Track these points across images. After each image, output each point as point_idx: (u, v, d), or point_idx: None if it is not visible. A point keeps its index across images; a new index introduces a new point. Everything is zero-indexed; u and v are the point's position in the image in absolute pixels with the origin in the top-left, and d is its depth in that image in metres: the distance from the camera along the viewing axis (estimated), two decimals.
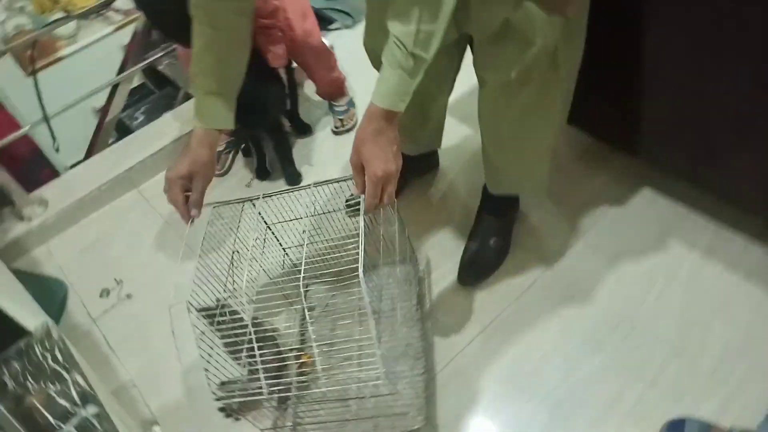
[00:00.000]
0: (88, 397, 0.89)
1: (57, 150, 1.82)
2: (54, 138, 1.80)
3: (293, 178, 1.85)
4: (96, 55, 3.09)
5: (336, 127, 1.98)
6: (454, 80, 1.41)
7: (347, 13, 2.53)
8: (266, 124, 1.77)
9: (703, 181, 1.43)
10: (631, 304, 1.39)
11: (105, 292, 1.68)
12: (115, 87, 2.13)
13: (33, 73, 1.76)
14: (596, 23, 1.20)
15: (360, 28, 2.37)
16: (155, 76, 3.27)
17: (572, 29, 1.13)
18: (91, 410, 0.87)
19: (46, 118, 1.78)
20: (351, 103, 2.01)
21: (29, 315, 1.01)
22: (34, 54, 1.88)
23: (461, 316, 1.43)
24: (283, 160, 1.85)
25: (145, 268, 1.70)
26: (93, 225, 1.88)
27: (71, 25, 3.09)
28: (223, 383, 1.11)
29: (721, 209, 1.49)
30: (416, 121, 1.49)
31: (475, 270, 1.50)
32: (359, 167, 1.02)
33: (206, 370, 1.03)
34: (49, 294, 1.66)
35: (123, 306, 1.63)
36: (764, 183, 1.29)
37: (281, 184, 1.86)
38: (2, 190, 1.80)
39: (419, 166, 1.73)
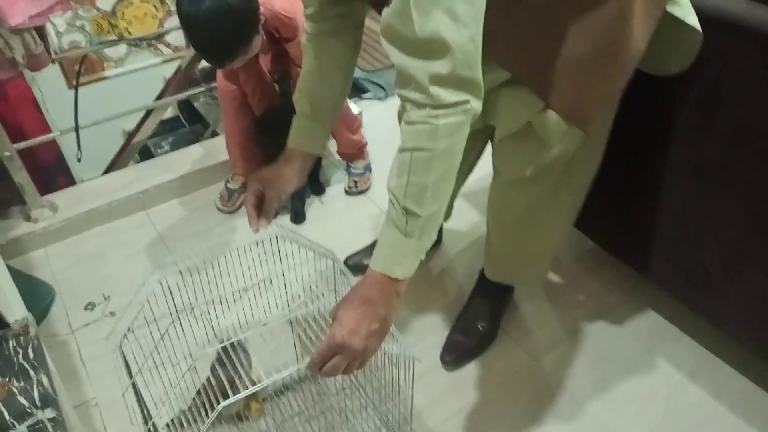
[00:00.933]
0: (49, 401, 0.88)
1: (79, 160, 1.87)
2: (79, 147, 1.86)
3: (299, 217, 1.90)
4: (138, 81, 3.25)
5: (349, 187, 2.04)
6: (473, 164, 1.45)
7: (381, 86, 2.65)
8: None
9: (696, 303, 1.44)
10: (609, 413, 1.36)
11: (90, 306, 1.67)
12: (148, 113, 2.21)
13: (76, 86, 1.83)
14: (613, 139, 1.26)
15: (391, 101, 2.52)
16: (189, 111, 3.41)
17: (591, 142, 1.16)
18: (48, 414, 0.86)
19: (76, 128, 1.85)
20: (368, 168, 2.07)
21: (12, 308, 1.01)
22: (81, 69, 1.96)
23: (436, 396, 1.41)
24: (295, 196, 1.89)
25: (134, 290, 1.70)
26: (95, 238, 1.91)
27: (122, 50, 3.28)
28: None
29: (711, 334, 1.48)
30: None
31: (458, 353, 1.48)
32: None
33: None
34: (35, 296, 1.66)
35: (104, 322, 1.63)
36: (752, 313, 1.30)
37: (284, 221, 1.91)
38: (17, 188, 1.85)
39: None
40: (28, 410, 0.87)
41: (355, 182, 2.03)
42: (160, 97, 2.39)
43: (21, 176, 1.81)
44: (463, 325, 1.51)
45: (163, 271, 1.07)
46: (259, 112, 1.87)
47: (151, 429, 1.04)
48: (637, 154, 1.40)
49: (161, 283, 1.06)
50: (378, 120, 2.43)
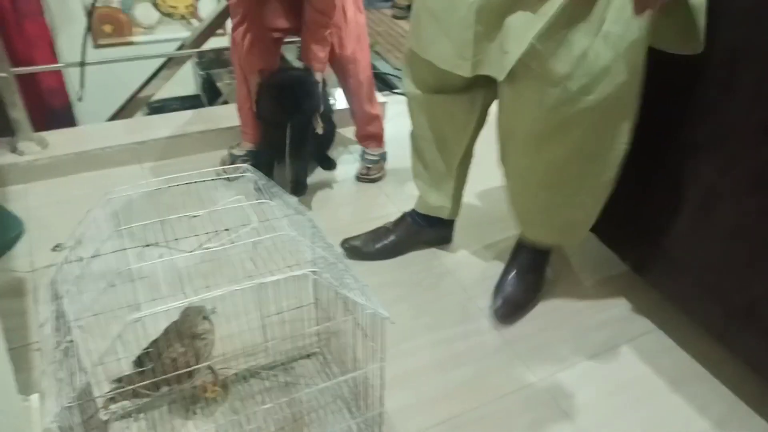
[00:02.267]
0: None
1: (80, 99, 1.76)
2: (82, 86, 1.74)
3: (299, 187, 1.72)
4: (164, 50, 3.14)
5: (361, 174, 1.90)
6: (474, 136, 1.42)
7: None
8: (302, 114, 1.61)
9: (735, 343, 1.25)
10: None
11: (58, 247, 1.52)
12: (159, 69, 2.10)
13: (90, 14, 1.73)
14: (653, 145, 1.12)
15: None
16: (210, 91, 3.32)
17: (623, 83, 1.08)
18: None
19: (82, 63, 1.73)
20: (384, 157, 1.94)
21: None
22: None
23: (425, 399, 1.22)
24: (295, 165, 1.69)
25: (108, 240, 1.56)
26: (81, 183, 1.77)
27: (154, 16, 3.22)
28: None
29: (746, 380, 1.29)
30: (438, 171, 1.48)
31: (510, 305, 1.44)
32: None
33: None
34: (4, 227, 1.52)
35: (68, 266, 1.47)
36: None
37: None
38: (10, 119, 1.73)
39: (431, 233, 1.61)
40: None
41: (368, 169, 1.89)
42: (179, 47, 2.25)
43: (15, 102, 1.69)
44: (511, 277, 1.46)
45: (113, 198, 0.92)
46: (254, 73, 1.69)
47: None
48: (682, 162, 1.24)
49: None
50: (403, 114, 2.29)
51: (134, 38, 3.18)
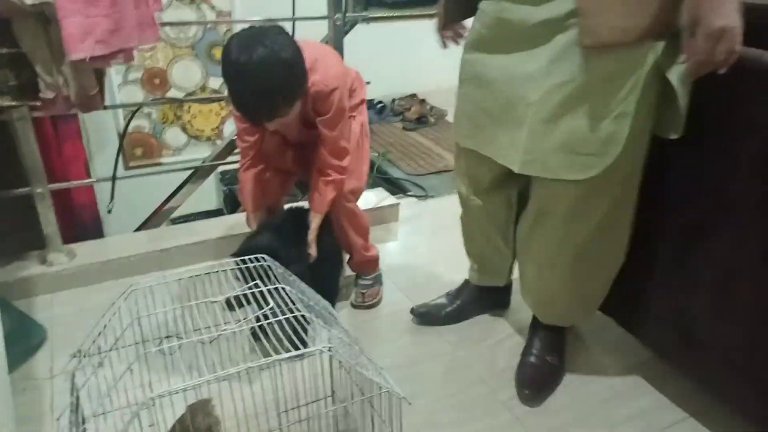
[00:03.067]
0: None
1: (109, 212, 1.85)
2: (112, 198, 1.85)
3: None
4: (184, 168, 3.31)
5: (356, 301, 1.78)
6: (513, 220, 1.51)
7: (422, 188, 2.64)
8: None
9: None
10: None
11: (78, 353, 1.53)
12: (186, 181, 2.23)
13: (123, 134, 1.87)
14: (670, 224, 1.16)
15: (430, 202, 2.49)
16: (232, 203, 3.46)
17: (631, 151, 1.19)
18: None
19: (113, 177, 1.85)
20: (378, 280, 1.85)
21: None
22: (133, 116, 2.02)
23: None
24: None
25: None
26: (105, 291, 1.82)
27: (182, 139, 3.45)
28: None
29: None
30: (488, 246, 1.57)
31: (538, 385, 1.43)
32: (691, 24, 0.98)
33: None
34: (25, 335, 1.54)
35: (80, 366, 1.47)
36: None
37: None
38: (42, 233, 1.82)
39: (488, 299, 1.70)
40: None
41: (363, 295, 1.78)
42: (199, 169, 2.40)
43: (48, 216, 1.79)
44: (531, 359, 1.47)
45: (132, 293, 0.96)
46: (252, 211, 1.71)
47: None
48: (693, 241, 1.26)
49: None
50: (415, 218, 2.37)
51: (163, 159, 3.40)
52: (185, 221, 3.23)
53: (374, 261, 1.83)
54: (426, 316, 1.68)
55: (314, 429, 1.16)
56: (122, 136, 2.14)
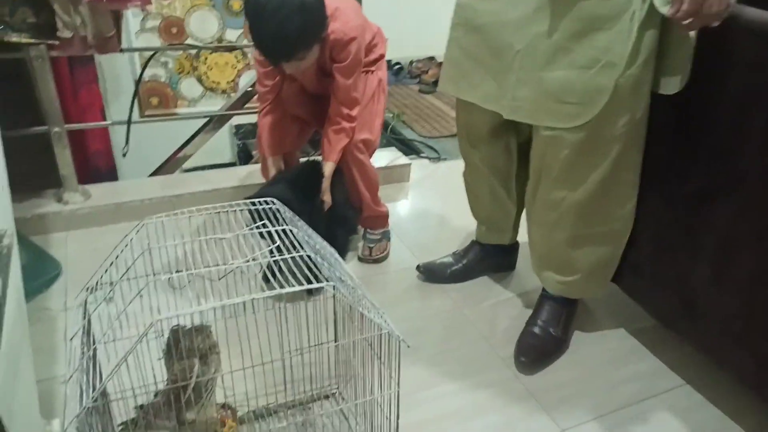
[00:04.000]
0: None
1: (124, 155, 1.88)
2: (127, 142, 1.87)
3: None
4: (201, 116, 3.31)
5: (363, 255, 1.80)
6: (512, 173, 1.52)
7: (435, 150, 2.63)
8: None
9: None
10: None
11: (92, 286, 1.58)
12: (200, 129, 2.23)
13: (138, 80, 1.88)
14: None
15: (442, 165, 2.48)
16: (246, 158, 3.48)
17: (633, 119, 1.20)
18: None
19: (129, 121, 1.87)
20: (387, 236, 1.86)
21: None
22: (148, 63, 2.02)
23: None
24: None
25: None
26: (117, 232, 1.83)
27: (197, 91, 3.44)
28: None
29: None
30: (493, 201, 1.58)
31: (534, 355, 1.42)
32: None
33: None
34: (41, 268, 1.59)
35: (101, 306, 1.52)
36: None
37: None
38: (60, 172, 1.85)
39: (495, 260, 1.72)
40: None
41: (371, 249, 1.80)
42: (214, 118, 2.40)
43: (64, 155, 1.81)
44: (534, 329, 1.46)
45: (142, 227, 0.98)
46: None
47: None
48: (696, 209, 1.25)
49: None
50: (426, 179, 2.37)
51: (178, 110, 3.40)
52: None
53: (383, 217, 1.84)
54: (432, 273, 1.70)
55: (315, 370, 1.20)
56: (138, 81, 2.15)
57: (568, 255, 1.37)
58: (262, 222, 0.93)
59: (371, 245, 1.81)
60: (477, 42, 1.29)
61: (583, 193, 1.27)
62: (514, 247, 1.73)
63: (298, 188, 1.56)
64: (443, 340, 1.50)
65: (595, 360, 1.45)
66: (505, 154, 1.48)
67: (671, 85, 1.18)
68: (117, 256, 0.99)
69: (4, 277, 0.82)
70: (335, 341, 1.21)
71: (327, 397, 1.26)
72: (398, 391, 0.93)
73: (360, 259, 1.81)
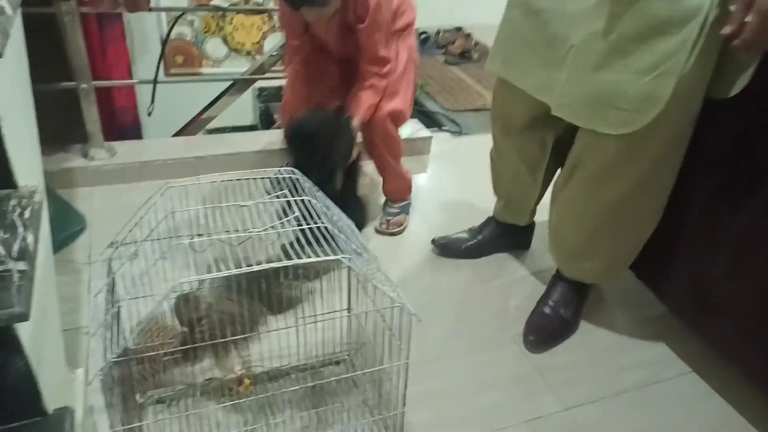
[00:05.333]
0: (26, 256, 0.80)
1: (149, 114, 1.90)
2: (153, 101, 1.89)
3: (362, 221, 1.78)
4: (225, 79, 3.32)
5: (380, 227, 1.82)
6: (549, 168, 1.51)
7: (457, 123, 2.61)
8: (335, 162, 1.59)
9: None
10: None
11: (114, 244, 1.62)
12: (224, 92, 2.24)
13: (165, 40, 1.89)
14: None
15: (464, 139, 2.47)
16: (268, 122, 3.49)
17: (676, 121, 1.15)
18: (20, 266, 0.78)
19: (155, 80, 1.88)
20: (406, 209, 1.87)
21: (26, 173, 0.96)
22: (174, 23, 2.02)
23: (449, 421, 1.23)
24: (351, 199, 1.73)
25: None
26: (142, 191, 1.87)
27: (222, 51, 3.44)
28: None
29: None
30: (516, 185, 1.57)
31: (542, 335, 1.43)
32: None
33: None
34: (67, 221, 1.63)
35: (116, 252, 1.57)
36: None
37: None
38: (85, 128, 1.88)
39: (509, 239, 1.73)
40: (1, 258, 0.79)
41: (388, 222, 1.81)
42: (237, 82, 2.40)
43: (91, 112, 1.84)
44: (545, 309, 1.47)
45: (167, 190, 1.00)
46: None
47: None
48: (718, 205, 1.24)
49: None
50: (447, 153, 2.37)
51: (203, 70, 3.40)
52: (220, 133, 3.29)
53: (407, 188, 1.87)
54: (446, 248, 1.71)
55: (328, 336, 1.23)
56: (165, 41, 2.15)
57: (591, 243, 1.36)
58: (282, 192, 0.95)
59: (389, 218, 1.83)
60: (532, 26, 1.22)
61: (619, 191, 1.25)
62: (531, 227, 1.74)
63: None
64: (454, 315, 1.53)
65: (603, 343, 1.47)
66: (538, 146, 1.46)
67: (729, 90, 1.11)
68: (141, 218, 1.02)
69: (35, 233, 0.85)
70: (348, 310, 1.24)
71: (338, 363, 1.30)
72: (407, 363, 0.96)
73: (377, 231, 1.83)
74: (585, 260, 1.40)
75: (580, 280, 1.47)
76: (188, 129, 2.30)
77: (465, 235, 1.73)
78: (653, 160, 1.19)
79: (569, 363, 1.40)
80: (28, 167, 1.00)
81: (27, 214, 0.89)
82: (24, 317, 0.72)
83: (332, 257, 0.83)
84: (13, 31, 0.91)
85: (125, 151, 1.94)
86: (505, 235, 1.71)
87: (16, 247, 0.81)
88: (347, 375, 1.16)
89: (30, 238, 0.84)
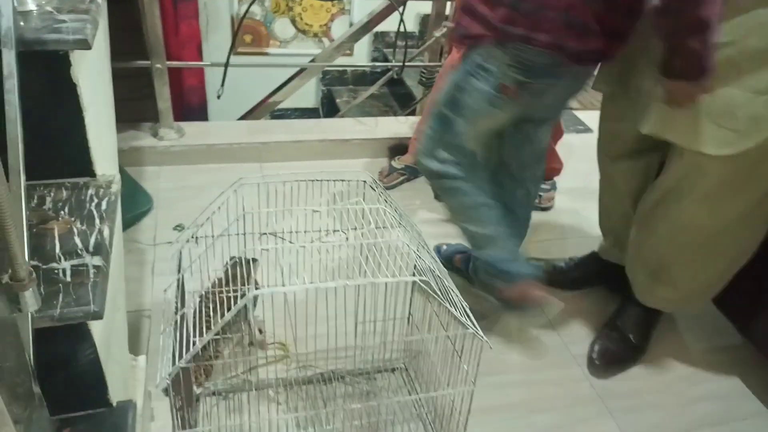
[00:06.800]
0: (101, 250, 0.80)
1: (219, 97, 1.90)
2: (223, 84, 1.89)
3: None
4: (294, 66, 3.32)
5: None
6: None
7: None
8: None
9: None
10: None
11: (179, 227, 1.65)
12: (293, 77, 2.23)
13: (238, 26, 1.89)
14: None
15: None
16: (330, 106, 3.47)
17: None
18: (95, 261, 0.78)
19: (226, 64, 1.88)
20: (554, 186, 1.93)
21: (104, 162, 0.96)
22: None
23: None
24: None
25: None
26: (206, 172, 1.91)
27: (290, 32, 3.43)
28: None
29: None
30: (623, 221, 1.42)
31: (608, 360, 1.37)
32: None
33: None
34: (135, 201, 1.66)
35: (186, 246, 1.58)
36: None
37: None
38: (158, 107, 1.90)
39: (612, 280, 1.51)
40: (79, 251, 0.79)
41: (540, 197, 1.88)
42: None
43: (163, 92, 1.86)
44: (613, 332, 1.40)
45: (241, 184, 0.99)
46: None
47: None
48: None
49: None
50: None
51: (270, 50, 3.41)
52: (281, 115, 3.30)
53: (559, 169, 1.89)
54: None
55: (384, 342, 1.20)
56: (240, 21, 2.14)
57: (675, 271, 1.26)
58: (356, 200, 0.92)
59: (542, 193, 1.88)
60: (638, 40, 1.11)
61: (717, 222, 1.15)
62: None
63: None
64: (516, 328, 1.47)
65: (672, 373, 1.39)
66: (643, 174, 1.33)
67: None
68: (214, 212, 1.01)
69: (111, 225, 0.85)
70: (409, 319, 1.21)
71: (393, 370, 1.27)
72: (473, 390, 0.92)
73: None
74: (665, 288, 1.31)
75: (659, 308, 1.37)
76: (254, 112, 2.30)
77: (561, 266, 1.58)
78: (760, 193, 1.09)
79: (634, 390, 1.33)
80: (106, 156, 1.01)
81: (104, 205, 0.89)
82: (98, 315, 0.72)
83: (410, 278, 0.79)
84: (101, 19, 0.91)
85: (193, 132, 1.96)
86: (608, 276, 1.53)
87: (92, 240, 0.82)
88: (408, 397, 1.13)
89: (106, 232, 0.84)
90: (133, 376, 1.08)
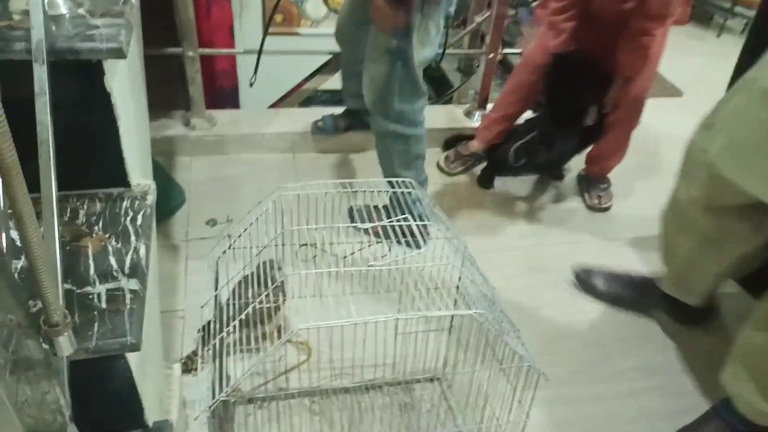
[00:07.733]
0: (137, 272, 0.76)
1: (251, 84, 1.85)
2: (255, 71, 1.83)
3: (487, 180, 1.87)
4: (326, 45, 3.24)
5: (592, 203, 1.84)
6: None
7: None
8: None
9: None
10: None
11: (212, 222, 1.61)
12: (327, 63, 2.16)
13: (272, 13, 1.83)
14: None
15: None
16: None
17: None
18: (131, 285, 0.74)
19: (260, 51, 1.82)
20: (610, 185, 1.88)
21: (137, 172, 0.92)
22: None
23: None
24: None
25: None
26: (238, 163, 1.86)
27: (322, 11, 3.34)
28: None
29: None
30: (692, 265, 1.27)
31: None
32: None
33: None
34: (167, 195, 1.62)
35: (223, 257, 1.55)
36: None
37: None
38: (188, 94, 1.85)
39: (674, 313, 1.45)
40: (114, 273, 0.75)
41: (600, 198, 1.83)
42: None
43: (195, 80, 1.81)
44: None
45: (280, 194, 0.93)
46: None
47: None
48: None
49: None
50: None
51: (301, 30, 3.32)
52: (311, 97, 3.23)
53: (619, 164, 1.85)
54: (589, 287, 1.50)
55: (423, 351, 1.15)
56: (275, 6, 2.08)
57: None
58: (404, 216, 0.86)
59: (601, 194, 1.84)
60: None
61: None
62: (705, 309, 1.42)
63: None
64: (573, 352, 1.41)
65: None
66: (745, 236, 1.14)
67: None
68: (251, 223, 0.96)
69: (147, 242, 0.81)
70: (450, 329, 1.16)
71: (432, 380, 1.23)
72: (527, 422, 0.86)
73: (589, 208, 1.84)
74: None
75: (761, 423, 1.11)
76: (286, 99, 2.24)
77: (617, 285, 1.47)
78: None
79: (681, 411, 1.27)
80: (140, 163, 0.97)
81: (139, 219, 0.85)
82: (135, 348, 0.68)
83: (465, 312, 0.74)
84: (135, 22, 0.86)
85: (225, 121, 1.91)
86: (669, 308, 1.43)
87: (128, 260, 0.78)
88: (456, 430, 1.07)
89: (142, 250, 0.80)
90: (167, 387, 1.05)
